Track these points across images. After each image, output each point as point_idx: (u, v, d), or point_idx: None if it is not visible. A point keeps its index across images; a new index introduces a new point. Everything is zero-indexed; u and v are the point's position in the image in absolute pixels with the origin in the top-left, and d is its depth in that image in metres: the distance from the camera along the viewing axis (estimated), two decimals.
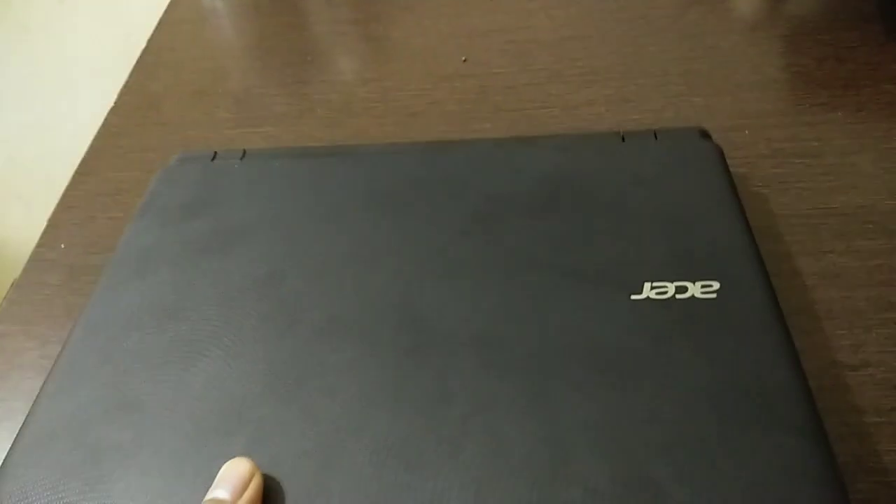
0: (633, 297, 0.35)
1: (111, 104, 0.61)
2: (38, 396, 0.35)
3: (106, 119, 0.59)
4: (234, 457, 0.31)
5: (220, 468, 0.31)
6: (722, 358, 0.32)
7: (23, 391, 0.41)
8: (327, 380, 0.33)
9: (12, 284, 0.47)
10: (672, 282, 0.35)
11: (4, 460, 0.33)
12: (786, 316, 0.38)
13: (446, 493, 0.29)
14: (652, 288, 0.35)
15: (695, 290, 0.35)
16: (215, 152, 0.47)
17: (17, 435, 0.33)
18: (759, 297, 0.34)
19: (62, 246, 0.49)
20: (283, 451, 0.31)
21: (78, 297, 0.45)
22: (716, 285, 0.35)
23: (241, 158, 0.46)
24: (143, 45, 0.67)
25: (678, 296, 0.35)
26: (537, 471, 0.29)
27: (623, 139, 0.44)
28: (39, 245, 0.49)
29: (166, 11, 0.71)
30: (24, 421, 0.34)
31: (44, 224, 0.51)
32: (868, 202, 0.44)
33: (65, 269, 0.47)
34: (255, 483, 0.30)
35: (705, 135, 0.44)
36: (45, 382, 0.35)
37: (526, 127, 0.52)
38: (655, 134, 0.44)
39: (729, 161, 0.41)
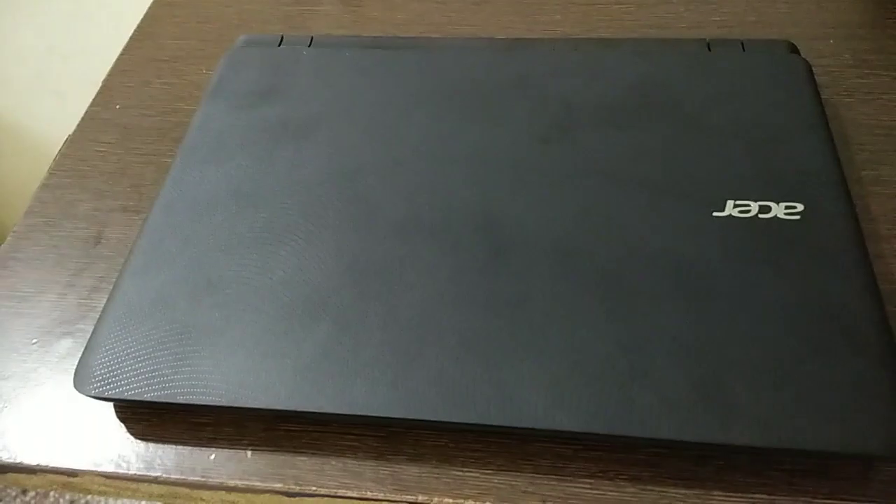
0: (715, 213, 0.34)
1: None
2: (122, 273, 0.35)
3: None
4: (320, 340, 0.31)
5: (307, 349, 0.31)
6: (801, 281, 0.31)
7: (76, 238, 0.40)
8: (407, 277, 0.33)
9: (67, 140, 0.46)
10: (755, 201, 0.34)
11: (93, 333, 0.33)
12: (865, 222, 0.36)
13: (524, 391, 0.29)
14: (735, 206, 0.34)
15: (778, 210, 0.34)
16: (282, 37, 0.46)
17: (105, 308, 0.33)
18: (843, 222, 0.33)
19: (117, 106, 0.48)
20: (365, 341, 0.31)
21: (132, 156, 0.45)
22: (800, 207, 0.34)
23: (309, 45, 0.45)
24: None
25: (761, 215, 0.34)
26: (614, 375, 0.29)
27: (709, 48, 0.42)
28: (94, 105, 0.48)
29: None
30: (110, 296, 0.34)
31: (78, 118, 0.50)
32: None
33: (119, 128, 0.46)
34: None
35: (793, 49, 0.42)
36: (127, 259, 0.35)
37: (598, 22, 0.50)
38: (742, 44, 0.42)
39: (812, 68, 0.40)
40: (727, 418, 0.28)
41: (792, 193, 0.34)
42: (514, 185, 0.36)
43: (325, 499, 0.31)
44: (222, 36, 0.52)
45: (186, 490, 0.32)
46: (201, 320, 0.32)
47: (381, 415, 0.30)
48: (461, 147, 0.38)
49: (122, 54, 0.52)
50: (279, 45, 0.45)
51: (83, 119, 0.47)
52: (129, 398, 0.31)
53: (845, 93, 0.44)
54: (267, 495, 0.31)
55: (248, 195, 0.37)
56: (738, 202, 0.34)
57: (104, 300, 0.35)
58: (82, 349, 0.33)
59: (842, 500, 0.29)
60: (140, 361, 0.32)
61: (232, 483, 0.31)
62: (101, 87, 0.49)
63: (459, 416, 0.29)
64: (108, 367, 0.32)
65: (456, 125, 0.39)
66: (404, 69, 0.42)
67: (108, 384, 0.31)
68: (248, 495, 0.32)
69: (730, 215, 0.34)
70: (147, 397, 0.31)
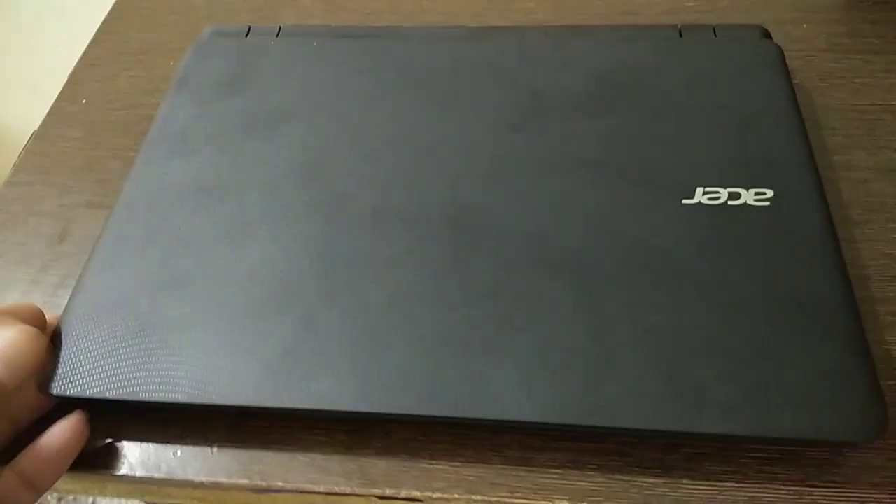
0: (685, 201, 0.34)
1: None
2: (84, 270, 0.34)
3: None
4: (286, 335, 0.31)
5: (274, 344, 0.30)
6: (771, 267, 0.31)
7: (42, 235, 0.40)
8: (377, 269, 0.33)
9: (32, 135, 0.45)
10: (725, 187, 0.34)
11: (55, 332, 0.32)
12: (836, 208, 0.36)
13: (493, 383, 0.29)
14: (704, 193, 0.34)
15: (748, 196, 0.34)
16: (249, 27, 0.45)
17: (67, 306, 0.33)
18: (813, 209, 0.33)
19: (83, 101, 0.47)
20: (334, 334, 0.31)
21: (98, 151, 0.44)
22: (769, 193, 0.34)
23: (277, 35, 0.44)
24: None
25: (730, 202, 0.33)
26: (583, 366, 0.29)
27: (680, 34, 0.42)
28: (59, 99, 0.48)
29: None
30: (73, 293, 0.33)
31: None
32: None
33: (85, 123, 0.46)
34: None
35: (766, 34, 0.42)
36: (90, 256, 0.34)
37: (571, 9, 0.49)
38: (714, 30, 0.42)
39: (785, 53, 0.39)
40: (696, 407, 0.28)
41: (761, 180, 0.34)
42: (484, 175, 0.36)
43: (293, 494, 0.31)
44: (191, 28, 0.51)
45: (155, 487, 0.32)
46: (165, 317, 0.32)
47: (349, 409, 0.29)
48: (431, 137, 0.37)
49: (89, 47, 0.51)
50: (246, 36, 0.44)
51: (49, 114, 0.47)
52: (91, 397, 0.30)
53: (818, 77, 0.43)
54: (234, 491, 0.31)
55: (213, 189, 0.36)
56: (708, 189, 0.34)
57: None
58: None
59: (812, 486, 0.29)
60: (103, 359, 0.31)
61: (198, 480, 0.31)
62: (68, 81, 0.49)
63: (428, 409, 0.29)
64: (70, 365, 0.31)
65: (425, 115, 0.39)
66: (373, 59, 0.42)
67: (71, 383, 0.31)
68: (216, 492, 0.32)
69: (699, 202, 0.34)
70: (110, 395, 0.30)
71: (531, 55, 0.41)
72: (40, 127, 0.46)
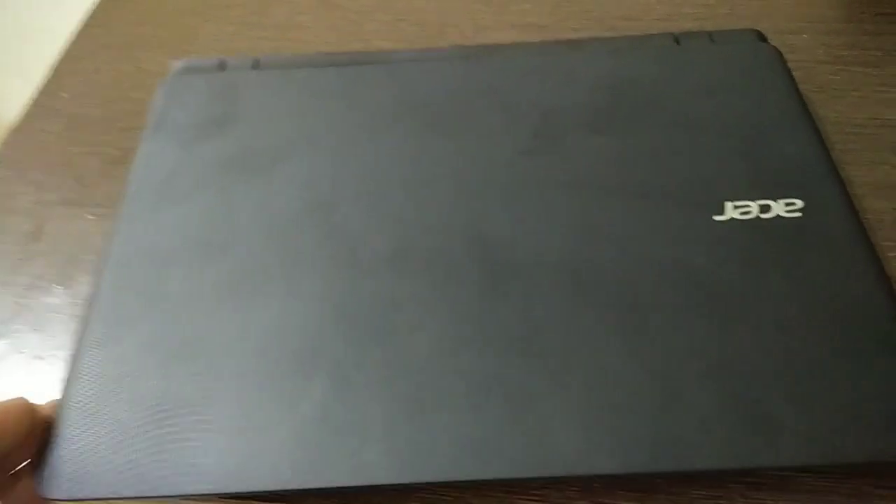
0: (716, 217, 0.32)
1: None
2: (79, 346, 0.30)
3: None
4: (318, 401, 0.28)
5: (305, 414, 0.27)
6: (815, 280, 0.30)
7: (14, 233, 0.39)
8: (405, 316, 0.30)
9: (11, 129, 0.44)
10: (754, 200, 0.32)
11: (53, 421, 0.28)
12: None
13: (554, 430, 0.27)
14: (735, 208, 0.32)
15: (778, 208, 0.32)
16: (221, 60, 0.41)
17: (65, 391, 0.29)
18: (845, 213, 0.32)
19: (64, 95, 0.46)
20: (370, 395, 0.28)
21: (77, 146, 0.43)
22: (799, 203, 0.32)
23: (254, 67, 0.41)
24: None
25: (762, 215, 0.32)
26: (648, 404, 0.27)
27: (678, 41, 0.41)
28: (41, 93, 0.46)
29: None
30: (70, 375, 0.29)
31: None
32: None
33: (65, 118, 0.45)
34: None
35: (762, 37, 0.41)
36: (83, 332, 0.30)
37: (568, 13, 0.48)
38: (711, 36, 0.41)
39: None
40: (772, 439, 0.26)
41: (789, 189, 0.33)
42: (503, 203, 0.33)
43: None
44: (178, 21, 0.50)
45: None
46: (178, 395, 0.28)
47: (397, 482, 0.26)
48: (440, 167, 0.35)
49: (73, 40, 0.50)
50: (221, 70, 0.41)
51: (29, 108, 0.45)
52: (103, 497, 0.26)
53: (817, 88, 0.42)
54: None
55: (211, 241, 0.33)
56: (737, 203, 0.32)
57: (41, 298, 0.33)
58: (18, 352, 0.31)
59: None
60: (113, 452, 0.27)
61: None
62: (50, 73, 0.47)
63: (485, 472, 0.26)
64: (77, 462, 0.27)
65: (430, 143, 0.36)
66: (365, 87, 0.39)
67: (80, 483, 0.27)
68: None
69: (731, 218, 0.32)
70: (127, 494, 0.26)
71: (531, 73, 0.39)
72: (20, 121, 0.45)
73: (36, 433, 0.27)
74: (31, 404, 0.27)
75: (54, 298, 0.36)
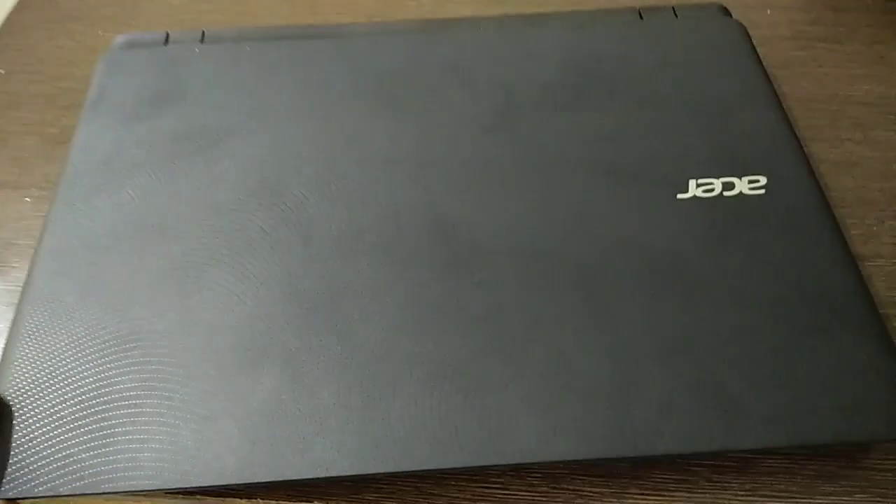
0: (680, 195, 0.32)
1: None
2: (10, 341, 0.28)
3: None
4: (267, 393, 0.26)
5: (254, 406, 0.26)
6: (778, 259, 0.29)
7: None
8: (361, 302, 0.28)
9: None
10: (717, 178, 0.32)
11: None
12: None
13: (513, 417, 0.26)
14: (698, 185, 0.32)
15: (742, 185, 0.32)
16: (167, 34, 0.39)
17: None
18: (808, 190, 0.32)
19: (2, 71, 0.43)
20: (325, 384, 0.27)
21: (14, 126, 0.41)
22: (763, 180, 0.32)
23: (202, 41, 0.39)
24: None
25: (725, 193, 0.32)
26: (609, 388, 0.26)
27: (641, 16, 0.40)
28: None
29: None
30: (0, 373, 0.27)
31: None
32: (891, 93, 0.41)
33: (3, 95, 0.42)
34: None
35: (726, 12, 0.40)
36: (14, 323, 0.28)
37: None
38: (675, 10, 0.40)
39: None
40: (737, 422, 0.26)
41: (753, 166, 0.32)
42: (463, 183, 0.32)
43: None
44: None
45: None
46: (119, 387, 0.27)
47: (353, 473, 0.25)
48: (398, 145, 0.34)
49: (12, 13, 0.47)
50: (165, 44, 0.39)
51: None
52: (42, 495, 0.25)
53: (780, 65, 0.42)
54: None
55: (153, 224, 0.31)
56: (701, 181, 0.32)
57: None
58: None
59: (764, 496, 0.27)
60: (49, 449, 0.26)
61: None
62: None
63: (443, 461, 0.25)
64: (10, 460, 0.26)
65: (387, 121, 0.35)
66: (317, 62, 0.37)
67: (13, 481, 0.25)
68: None
69: (694, 196, 0.32)
70: (64, 492, 0.25)
71: (492, 48, 0.38)
72: None
73: None
74: None
75: None
